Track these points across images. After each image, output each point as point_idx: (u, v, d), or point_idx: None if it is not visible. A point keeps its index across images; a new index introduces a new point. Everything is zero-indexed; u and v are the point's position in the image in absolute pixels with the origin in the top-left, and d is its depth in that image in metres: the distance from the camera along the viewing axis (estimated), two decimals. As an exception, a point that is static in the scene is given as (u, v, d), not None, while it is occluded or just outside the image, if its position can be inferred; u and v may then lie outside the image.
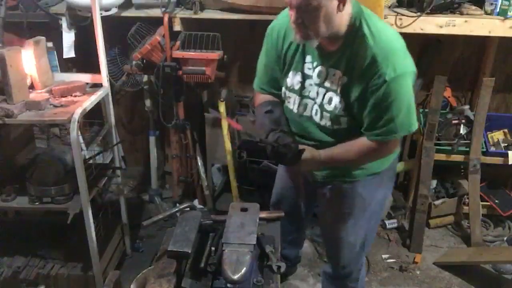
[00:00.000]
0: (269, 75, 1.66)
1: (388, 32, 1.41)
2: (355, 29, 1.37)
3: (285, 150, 1.45)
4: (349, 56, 1.39)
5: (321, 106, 1.50)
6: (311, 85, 1.52)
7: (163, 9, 2.45)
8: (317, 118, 1.53)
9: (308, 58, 1.51)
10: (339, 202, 1.73)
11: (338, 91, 1.45)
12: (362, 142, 1.49)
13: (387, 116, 1.39)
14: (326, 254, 2.10)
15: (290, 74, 1.55)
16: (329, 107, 1.48)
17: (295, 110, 1.58)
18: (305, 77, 1.53)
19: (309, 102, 1.54)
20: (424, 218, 2.67)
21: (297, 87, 1.54)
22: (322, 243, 2.67)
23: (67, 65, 2.70)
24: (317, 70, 1.49)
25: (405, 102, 1.39)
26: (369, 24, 1.37)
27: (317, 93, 1.50)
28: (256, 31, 2.77)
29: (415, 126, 1.46)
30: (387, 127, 1.42)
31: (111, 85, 2.48)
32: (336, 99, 1.46)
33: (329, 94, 1.47)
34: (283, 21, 1.52)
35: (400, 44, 1.40)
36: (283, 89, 1.60)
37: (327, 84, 1.47)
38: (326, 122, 1.51)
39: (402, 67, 1.36)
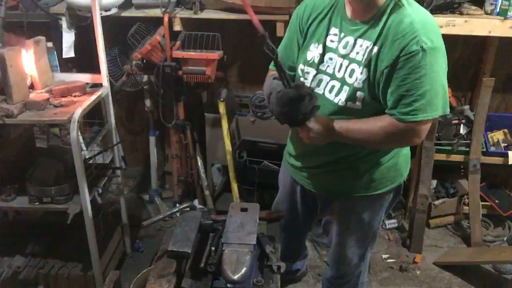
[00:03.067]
0: (286, 52, 1.60)
1: (426, 11, 1.38)
2: (393, 1, 1.34)
3: (308, 91, 1.33)
4: (383, 25, 1.33)
5: (342, 79, 1.42)
6: (330, 59, 1.46)
7: (163, 9, 2.45)
8: (331, 95, 1.45)
9: (333, 30, 1.45)
10: (338, 219, 1.72)
11: (363, 61, 1.37)
12: (387, 119, 1.36)
13: (418, 91, 1.29)
14: (329, 259, 2.09)
15: (312, 46, 1.50)
16: (350, 80, 1.40)
17: (311, 85, 1.50)
18: (325, 50, 1.47)
19: (324, 78, 1.47)
20: (424, 218, 2.66)
21: (316, 60, 1.48)
22: (323, 244, 2.67)
23: (67, 65, 2.70)
24: (343, 41, 1.42)
25: (438, 80, 1.31)
26: (408, 0, 1.36)
27: (340, 65, 1.43)
28: (256, 31, 2.77)
29: (447, 109, 1.35)
30: (416, 105, 1.30)
31: (111, 85, 2.48)
32: (358, 71, 1.38)
33: (352, 65, 1.40)
34: None
35: (437, 25, 1.35)
36: (301, 66, 1.53)
37: (352, 55, 1.41)
38: (340, 98, 1.42)
39: (439, 42, 1.31)
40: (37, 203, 2.02)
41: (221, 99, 2.59)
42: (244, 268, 1.23)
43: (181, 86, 2.64)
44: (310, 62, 1.50)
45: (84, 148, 2.48)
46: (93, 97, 2.05)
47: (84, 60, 2.66)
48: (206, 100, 2.93)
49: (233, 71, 2.98)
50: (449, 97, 2.71)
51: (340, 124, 1.40)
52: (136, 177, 3.30)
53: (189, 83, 2.64)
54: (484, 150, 2.64)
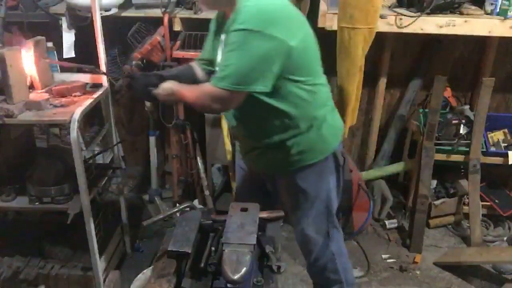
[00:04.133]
0: (203, 53, 1.84)
1: (272, 3, 1.44)
2: None
3: (129, 80, 1.60)
4: (233, 18, 1.44)
5: None
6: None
7: (163, 9, 2.45)
8: None
9: (223, 36, 1.59)
10: (286, 197, 1.77)
11: (223, 51, 1.52)
12: (205, 84, 1.56)
13: (225, 62, 1.44)
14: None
15: (218, 50, 1.65)
16: None
17: None
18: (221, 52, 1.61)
19: None
20: (424, 218, 2.67)
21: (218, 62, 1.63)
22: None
23: (67, 65, 2.69)
24: (225, 41, 1.56)
25: (246, 59, 1.40)
26: None
27: None
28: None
29: (249, 87, 1.43)
30: (221, 74, 1.44)
31: (111, 85, 2.48)
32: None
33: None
34: None
35: (280, 11, 1.43)
36: (216, 68, 1.68)
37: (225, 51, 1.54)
38: None
39: (265, 27, 1.37)
40: (37, 203, 2.02)
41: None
42: (244, 268, 1.23)
43: (181, 86, 2.63)
44: (217, 64, 1.65)
45: (84, 148, 2.48)
46: (93, 97, 2.05)
47: (84, 60, 2.66)
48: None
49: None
50: (449, 97, 2.77)
51: (177, 89, 1.60)
52: (136, 177, 3.30)
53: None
54: (484, 150, 2.64)
